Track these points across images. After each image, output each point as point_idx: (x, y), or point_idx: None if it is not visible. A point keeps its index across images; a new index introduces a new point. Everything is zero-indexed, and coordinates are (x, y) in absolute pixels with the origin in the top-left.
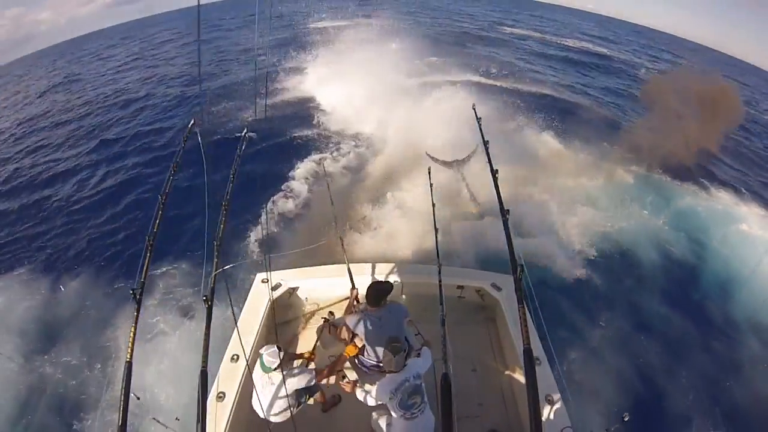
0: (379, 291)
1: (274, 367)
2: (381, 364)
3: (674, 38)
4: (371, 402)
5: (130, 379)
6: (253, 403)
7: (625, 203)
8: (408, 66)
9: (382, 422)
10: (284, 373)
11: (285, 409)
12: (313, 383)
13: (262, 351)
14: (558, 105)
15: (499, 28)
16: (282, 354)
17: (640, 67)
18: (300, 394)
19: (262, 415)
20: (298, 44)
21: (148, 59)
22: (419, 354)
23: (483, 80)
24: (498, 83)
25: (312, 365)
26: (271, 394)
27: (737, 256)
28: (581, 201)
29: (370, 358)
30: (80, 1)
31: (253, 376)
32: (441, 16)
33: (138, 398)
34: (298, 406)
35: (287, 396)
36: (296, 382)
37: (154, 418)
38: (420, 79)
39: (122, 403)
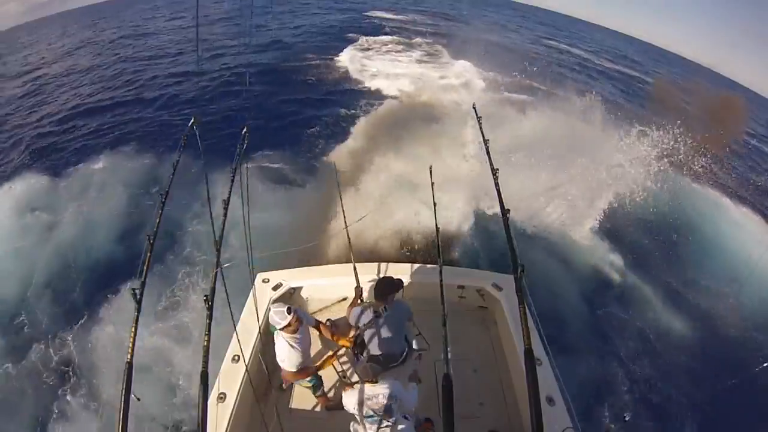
0: (387, 285)
1: (279, 327)
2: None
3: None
4: (348, 409)
5: (130, 380)
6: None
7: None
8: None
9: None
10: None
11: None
12: (302, 368)
13: (272, 306)
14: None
15: (545, 41)
16: (292, 316)
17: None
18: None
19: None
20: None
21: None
22: (420, 356)
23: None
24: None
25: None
26: (278, 348)
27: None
28: (581, 196)
29: (368, 355)
30: None
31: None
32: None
33: (138, 399)
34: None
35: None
36: (291, 357)
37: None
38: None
39: (122, 404)
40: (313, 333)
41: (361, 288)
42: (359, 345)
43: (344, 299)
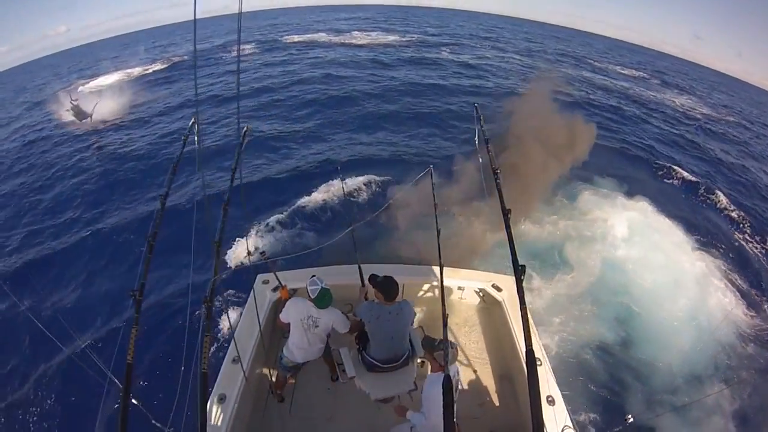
0: (395, 285)
1: (314, 296)
2: (379, 364)
3: None
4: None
5: (130, 381)
6: (291, 346)
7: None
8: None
9: None
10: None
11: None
12: (345, 330)
13: (319, 283)
14: None
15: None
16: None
17: None
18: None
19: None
20: None
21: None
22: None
23: None
24: None
25: None
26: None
27: None
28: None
29: (370, 353)
30: None
31: (293, 318)
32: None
33: (136, 403)
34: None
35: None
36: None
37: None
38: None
39: (122, 404)
40: None
41: (366, 289)
42: (362, 341)
43: (345, 301)
